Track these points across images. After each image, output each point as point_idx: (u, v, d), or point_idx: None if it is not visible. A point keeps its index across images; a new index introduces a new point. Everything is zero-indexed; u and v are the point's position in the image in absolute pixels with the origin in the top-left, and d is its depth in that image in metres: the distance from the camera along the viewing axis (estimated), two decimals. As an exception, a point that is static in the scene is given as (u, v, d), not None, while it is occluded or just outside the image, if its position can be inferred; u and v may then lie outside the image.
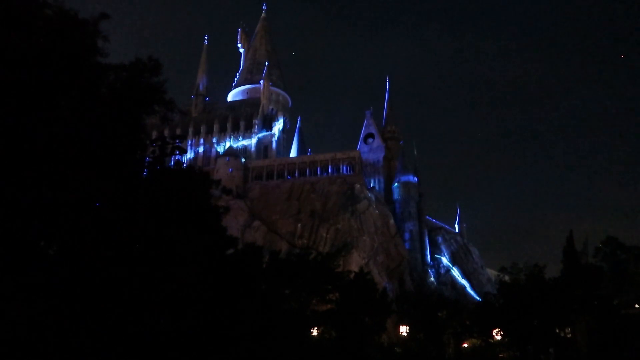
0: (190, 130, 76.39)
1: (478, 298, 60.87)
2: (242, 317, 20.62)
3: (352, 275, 37.24)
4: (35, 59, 11.91)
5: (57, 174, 12.31)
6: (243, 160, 70.71)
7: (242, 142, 75.05)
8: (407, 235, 69.40)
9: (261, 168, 70.12)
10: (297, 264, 34.16)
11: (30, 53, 11.84)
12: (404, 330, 44.24)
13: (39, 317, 11.72)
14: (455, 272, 71.36)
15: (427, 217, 75.37)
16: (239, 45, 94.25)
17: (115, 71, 13.97)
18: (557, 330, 37.88)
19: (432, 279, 67.67)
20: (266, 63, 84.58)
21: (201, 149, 75.89)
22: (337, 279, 34.88)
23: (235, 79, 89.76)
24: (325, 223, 60.99)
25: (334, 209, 62.18)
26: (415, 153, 79.79)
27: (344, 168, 67.45)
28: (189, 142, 74.99)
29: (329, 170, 67.58)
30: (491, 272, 75.08)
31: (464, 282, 70.47)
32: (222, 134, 76.26)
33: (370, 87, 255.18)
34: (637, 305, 39.66)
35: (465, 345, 43.32)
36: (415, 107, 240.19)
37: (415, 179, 73.66)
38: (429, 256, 70.87)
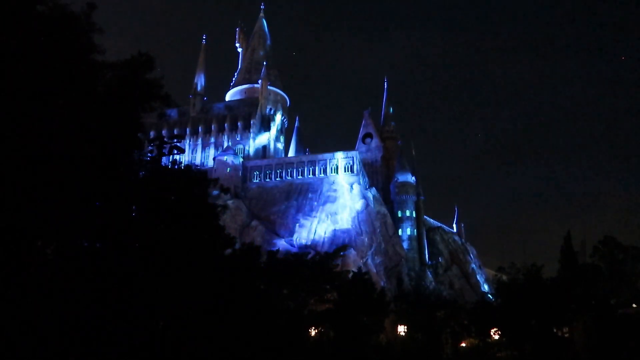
0: (188, 129, 76.32)
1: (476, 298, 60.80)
2: (240, 317, 20.59)
3: (350, 275, 37.22)
4: (32, 58, 11.84)
5: (54, 174, 12.26)
6: (241, 159, 70.64)
7: (240, 142, 74.99)
8: (405, 235, 69.43)
9: (259, 167, 70.06)
10: (296, 263, 34.16)
11: (26, 53, 11.77)
12: (402, 330, 44.22)
13: (37, 316, 11.67)
14: (453, 272, 71.32)
15: (425, 216, 75.36)
16: (237, 45, 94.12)
17: (112, 69, 13.91)
18: (555, 330, 37.91)
19: (431, 278, 67.64)
20: (264, 63, 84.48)
21: (199, 149, 75.82)
22: (335, 279, 34.87)
23: (234, 79, 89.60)
24: (324, 223, 61.03)
25: (332, 208, 62.26)
26: (414, 153, 79.56)
27: (343, 167, 67.36)
28: (187, 141, 74.88)
29: (328, 169, 67.49)
30: (489, 272, 75.17)
31: (461, 281, 70.42)
32: (220, 133, 76.20)
33: (369, 87, 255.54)
34: (634, 305, 39.77)
35: (463, 344, 43.30)
36: (413, 107, 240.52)
37: (414, 178, 73.61)
38: (427, 256, 70.87)
